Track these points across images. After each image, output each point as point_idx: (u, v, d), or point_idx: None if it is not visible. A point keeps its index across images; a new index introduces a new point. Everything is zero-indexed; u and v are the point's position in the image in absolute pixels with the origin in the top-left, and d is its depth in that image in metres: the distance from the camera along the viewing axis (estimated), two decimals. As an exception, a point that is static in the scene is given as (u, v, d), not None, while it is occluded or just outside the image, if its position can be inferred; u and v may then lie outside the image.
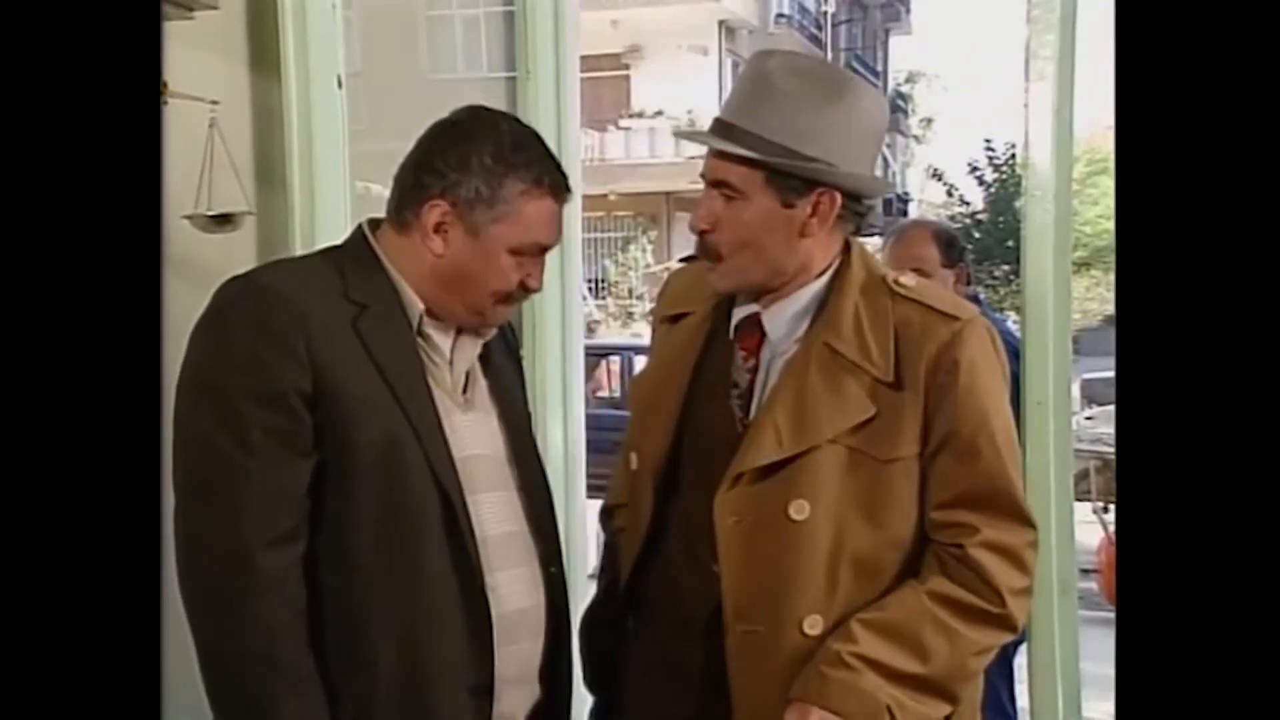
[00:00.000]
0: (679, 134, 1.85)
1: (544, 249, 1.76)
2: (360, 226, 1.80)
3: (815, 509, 1.69)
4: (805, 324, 1.77)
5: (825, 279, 1.79)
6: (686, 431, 1.82)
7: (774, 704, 1.68)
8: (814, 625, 1.70)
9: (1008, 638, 1.73)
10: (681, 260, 2.05)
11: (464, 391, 1.78)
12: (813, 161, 1.70)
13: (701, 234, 1.77)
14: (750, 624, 1.72)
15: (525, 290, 1.77)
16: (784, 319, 1.78)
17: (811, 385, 1.71)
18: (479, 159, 1.70)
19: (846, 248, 1.81)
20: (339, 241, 1.84)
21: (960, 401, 1.69)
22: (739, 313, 1.83)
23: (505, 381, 1.87)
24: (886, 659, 1.65)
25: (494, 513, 1.74)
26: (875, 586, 1.71)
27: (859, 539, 1.70)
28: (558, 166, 1.77)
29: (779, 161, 1.71)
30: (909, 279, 1.80)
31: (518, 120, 1.82)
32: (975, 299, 3.43)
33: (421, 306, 1.74)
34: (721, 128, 1.75)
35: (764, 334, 1.79)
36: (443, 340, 1.77)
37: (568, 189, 1.77)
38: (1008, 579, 1.69)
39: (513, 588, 1.74)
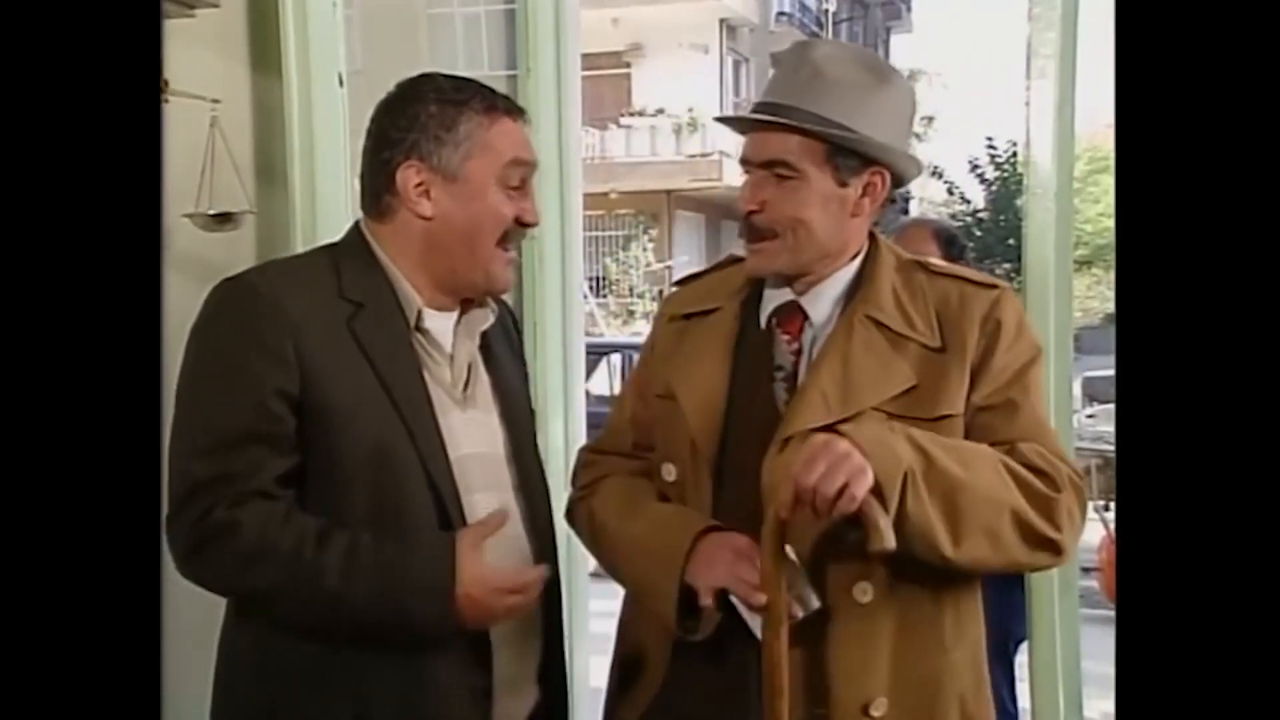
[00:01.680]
0: (721, 119, 1.82)
1: (525, 169, 1.76)
2: (357, 223, 1.80)
3: None
4: (843, 306, 1.80)
5: (858, 262, 1.83)
6: (729, 427, 1.79)
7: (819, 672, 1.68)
8: (864, 592, 1.69)
9: (1046, 554, 1.68)
10: (678, 283, 2.05)
11: (465, 388, 1.77)
12: (861, 139, 1.74)
13: (749, 215, 1.78)
14: None
15: (522, 225, 1.77)
16: (825, 302, 1.81)
17: (855, 355, 1.74)
18: (426, 110, 1.72)
19: (870, 235, 1.86)
20: (335, 239, 1.84)
21: (1001, 360, 1.73)
22: (771, 301, 1.84)
23: (507, 378, 1.86)
24: (930, 447, 1.61)
25: (489, 513, 1.72)
26: None
27: None
28: (504, 95, 1.79)
29: (841, 135, 1.73)
30: (939, 260, 1.89)
31: (451, 75, 1.83)
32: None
33: (419, 301, 1.73)
34: (772, 109, 1.77)
35: (805, 318, 1.81)
36: (443, 335, 1.76)
37: (521, 111, 1.79)
38: (1058, 475, 1.68)
39: None
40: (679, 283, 2.05)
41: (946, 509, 1.60)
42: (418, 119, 1.71)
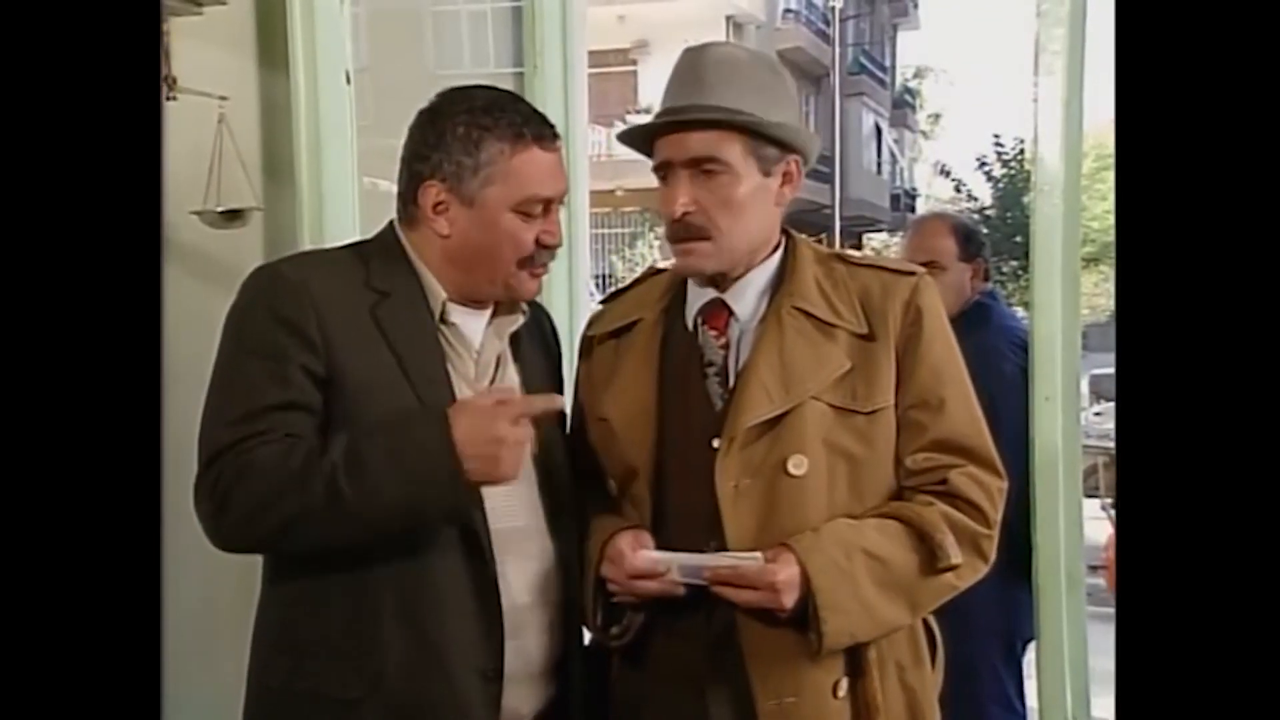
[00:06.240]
0: (622, 137, 1.79)
1: (547, 201, 1.76)
2: (391, 222, 1.83)
3: (812, 464, 1.72)
4: (768, 299, 1.82)
5: (778, 256, 1.85)
6: (664, 430, 1.81)
7: (787, 659, 1.71)
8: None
9: (982, 569, 1.78)
10: (602, 302, 2.05)
11: (490, 382, 1.79)
12: (782, 126, 1.76)
13: (683, 217, 1.76)
14: None
15: (544, 248, 1.77)
16: (749, 297, 1.82)
17: (789, 345, 1.76)
18: (453, 131, 1.73)
19: (784, 232, 1.88)
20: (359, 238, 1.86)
21: (924, 350, 1.77)
22: (696, 301, 1.85)
23: (535, 377, 1.88)
24: (876, 548, 1.70)
25: (503, 506, 1.74)
26: None
27: (851, 494, 1.75)
28: (540, 117, 1.77)
29: (765, 124, 1.74)
30: (857, 252, 1.92)
31: (495, 88, 1.81)
32: (992, 296, 3.36)
33: (444, 295, 1.76)
34: (686, 109, 1.75)
35: (730, 314, 1.82)
36: (470, 329, 1.79)
37: (554, 136, 1.78)
38: (989, 508, 1.77)
39: (520, 581, 1.75)
40: (602, 301, 2.05)
41: (889, 593, 1.71)
42: (444, 138, 1.73)
